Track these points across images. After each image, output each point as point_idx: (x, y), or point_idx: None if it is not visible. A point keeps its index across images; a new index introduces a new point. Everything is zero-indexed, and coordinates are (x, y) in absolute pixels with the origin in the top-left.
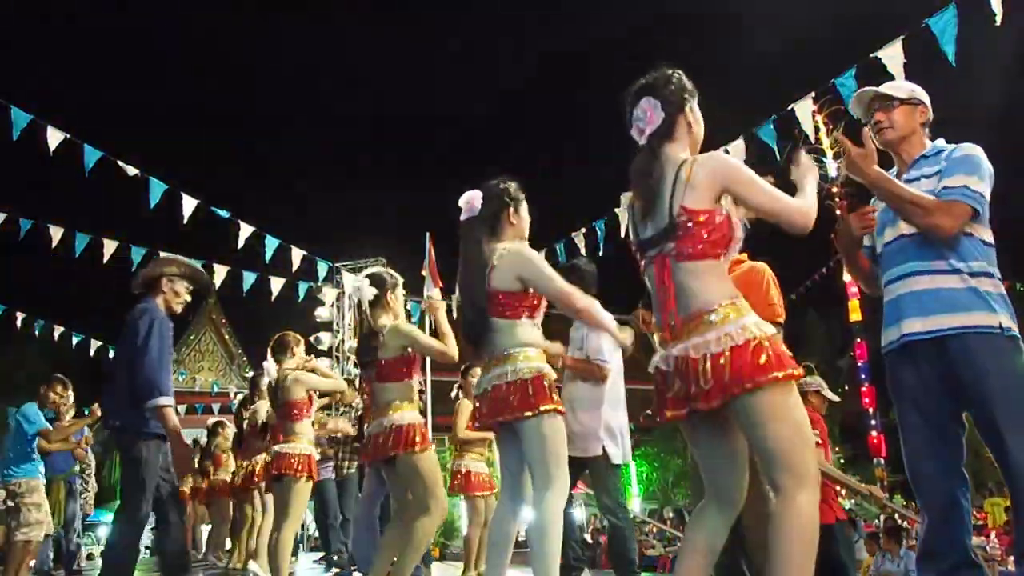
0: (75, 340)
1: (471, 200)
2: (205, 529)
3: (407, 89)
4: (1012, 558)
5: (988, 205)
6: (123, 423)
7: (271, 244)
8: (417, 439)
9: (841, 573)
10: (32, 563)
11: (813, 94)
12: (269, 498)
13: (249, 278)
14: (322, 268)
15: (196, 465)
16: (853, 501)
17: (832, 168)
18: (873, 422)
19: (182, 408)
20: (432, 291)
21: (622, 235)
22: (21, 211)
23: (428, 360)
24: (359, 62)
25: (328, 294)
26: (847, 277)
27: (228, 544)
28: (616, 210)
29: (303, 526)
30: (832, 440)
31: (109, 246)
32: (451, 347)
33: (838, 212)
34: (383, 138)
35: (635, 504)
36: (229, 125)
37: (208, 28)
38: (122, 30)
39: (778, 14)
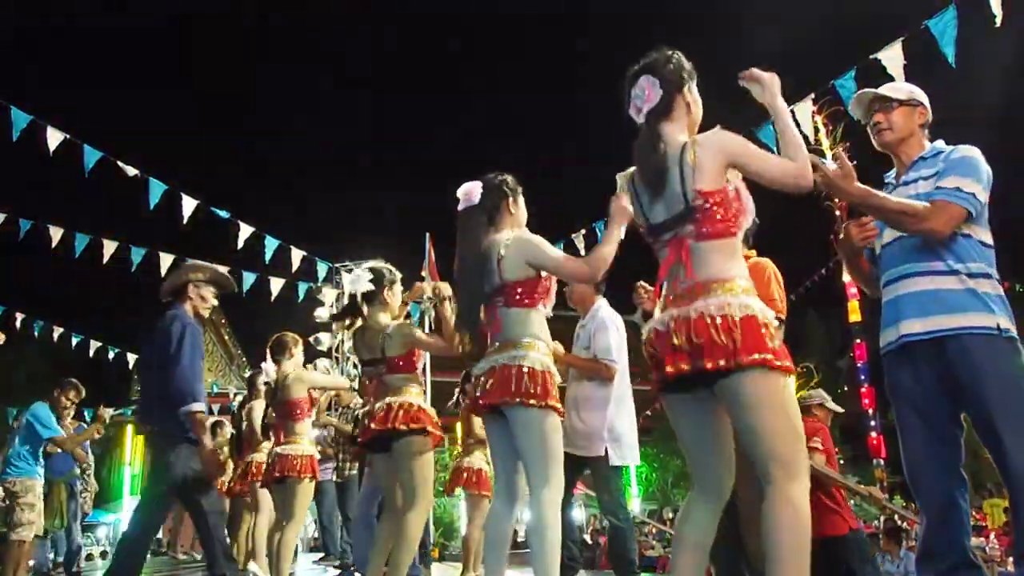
0: (75, 340)
1: (470, 191)
2: None
3: (407, 89)
4: (1011, 559)
5: (986, 207)
6: (158, 428)
7: (271, 244)
8: (425, 420)
9: None
10: (31, 563)
11: (813, 95)
12: (266, 498)
13: (249, 278)
14: (322, 269)
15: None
16: (853, 503)
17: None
18: (873, 423)
19: None
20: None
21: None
22: (21, 211)
23: (428, 361)
24: (359, 62)
25: (328, 295)
26: (847, 278)
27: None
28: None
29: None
30: (832, 441)
31: (109, 246)
32: (452, 338)
33: (837, 213)
34: (383, 138)
35: (635, 505)
36: (229, 125)
37: (208, 28)
38: (122, 30)
39: (778, 15)
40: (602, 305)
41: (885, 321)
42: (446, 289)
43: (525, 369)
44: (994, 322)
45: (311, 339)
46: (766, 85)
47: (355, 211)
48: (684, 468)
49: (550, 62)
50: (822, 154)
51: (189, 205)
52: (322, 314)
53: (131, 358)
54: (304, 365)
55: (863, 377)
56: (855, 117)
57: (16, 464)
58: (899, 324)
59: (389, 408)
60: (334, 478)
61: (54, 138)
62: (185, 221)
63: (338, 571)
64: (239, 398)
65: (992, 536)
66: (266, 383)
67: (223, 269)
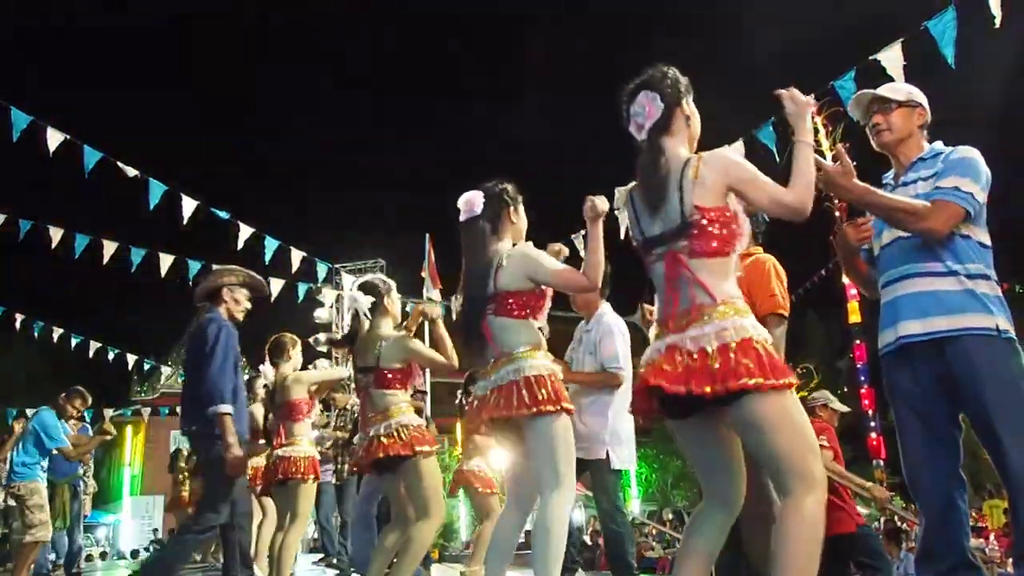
0: (74, 341)
1: (471, 201)
2: None
3: (407, 89)
4: (1011, 560)
5: (984, 207)
6: (196, 428)
7: (271, 245)
8: (424, 440)
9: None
10: (31, 564)
11: (812, 96)
12: (267, 501)
13: None
14: (321, 269)
15: (195, 468)
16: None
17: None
18: (872, 424)
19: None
20: (432, 292)
21: (621, 237)
22: (21, 212)
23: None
24: (359, 62)
25: (327, 295)
26: (846, 279)
27: None
28: (615, 212)
29: None
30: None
31: (109, 247)
32: (451, 357)
33: (837, 214)
34: (383, 139)
35: (634, 506)
36: (229, 125)
37: (208, 28)
38: (122, 31)
39: (777, 16)
40: (606, 310)
41: (883, 322)
42: (434, 310)
43: (532, 378)
44: (993, 323)
45: (311, 340)
46: (800, 107)
47: (355, 212)
48: (684, 469)
49: (550, 62)
50: (822, 155)
51: (189, 206)
52: (322, 314)
53: (131, 359)
54: (304, 366)
55: (863, 378)
56: (854, 118)
57: (18, 470)
58: (897, 325)
59: (392, 436)
60: (333, 480)
61: (54, 139)
62: (185, 222)
63: (337, 572)
64: None
65: (992, 537)
66: (264, 386)
67: None
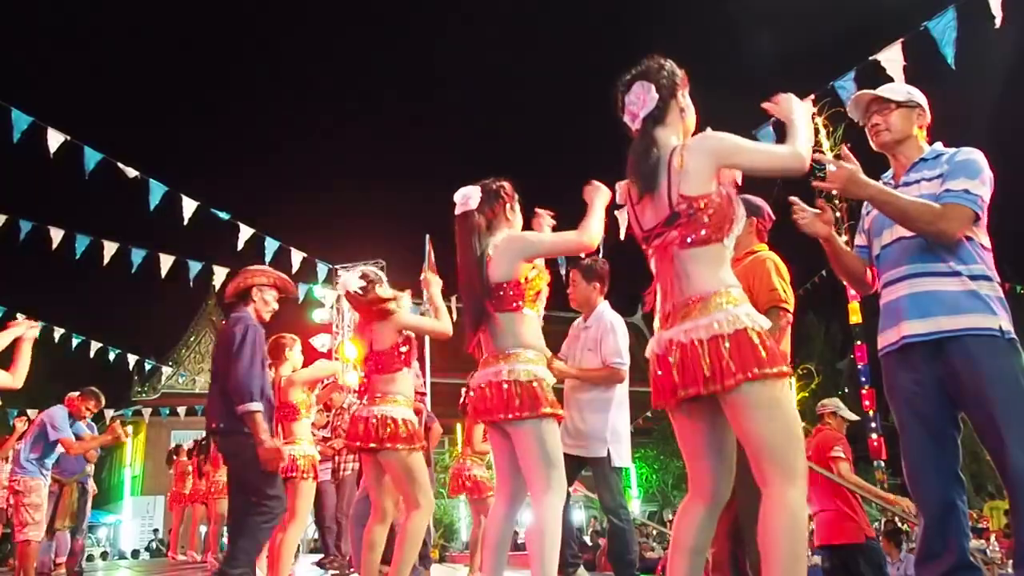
0: (75, 342)
1: (467, 196)
2: (203, 530)
3: (408, 90)
4: (1011, 562)
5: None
6: (223, 426)
7: (271, 246)
8: (403, 434)
9: None
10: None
11: (813, 96)
12: None
13: None
14: (321, 270)
15: (195, 467)
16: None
17: (832, 170)
18: (873, 425)
19: (182, 409)
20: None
21: (621, 237)
22: (22, 212)
23: (428, 363)
24: (360, 62)
25: (327, 296)
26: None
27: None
28: (615, 212)
29: None
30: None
31: (109, 248)
32: (444, 320)
33: (838, 215)
34: (383, 139)
35: (635, 506)
36: (229, 127)
37: (209, 30)
38: (123, 32)
39: (778, 16)
40: (605, 308)
41: (884, 322)
42: (433, 281)
43: (510, 384)
44: (996, 324)
45: (314, 342)
46: (781, 104)
47: (355, 213)
48: (684, 470)
49: (550, 61)
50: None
51: (189, 206)
52: (321, 315)
53: (131, 359)
54: (304, 366)
55: (864, 379)
56: (854, 119)
57: (24, 465)
58: (900, 325)
59: (376, 424)
60: (331, 479)
61: (55, 140)
62: (186, 222)
63: (336, 572)
64: None
65: (993, 538)
66: None
67: (223, 271)
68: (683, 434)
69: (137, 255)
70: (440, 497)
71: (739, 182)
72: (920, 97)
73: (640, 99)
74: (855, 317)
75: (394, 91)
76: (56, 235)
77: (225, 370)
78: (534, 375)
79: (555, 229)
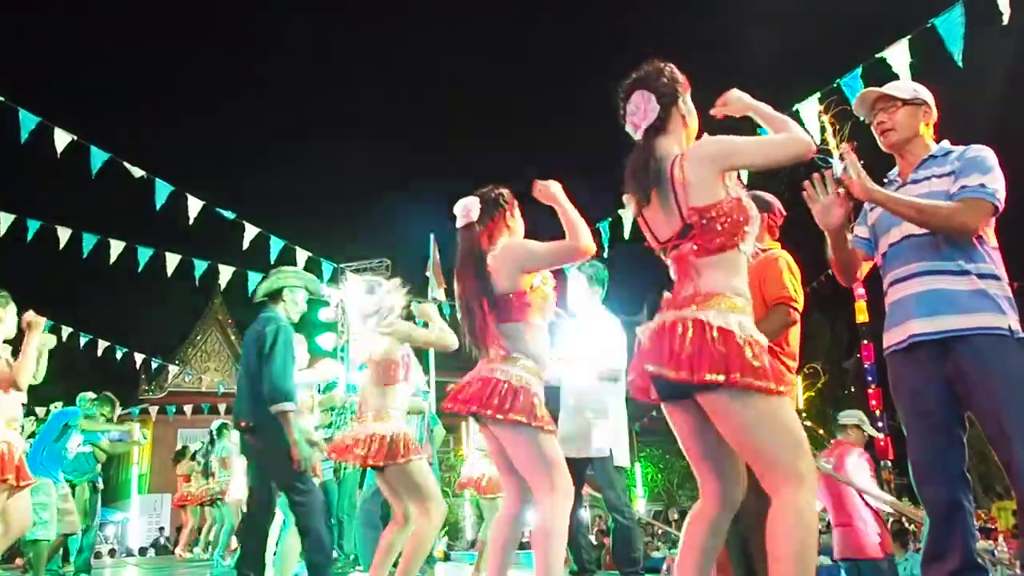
0: (83, 340)
1: (467, 207)
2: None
3: (410, 90)
4: (1019, 562)
5: None
6: (252, 424)
7: (276, 245)
8: (401, 450)
9: None
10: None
11: (819, 94)
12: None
13: (254, 279)
14: (327, 269)
15: (201, 467)
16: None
17: (839, 168)
18: (880, 424)
19: (188, 408)
20: (437, 292)
21: (626, 236)
22: (29, 212)
23: (432, 359)
24: (362, 62)
25: (332, 295)
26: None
27: (234, 544)
28: (620, 211)
29: None
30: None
31: (116, 247)
32: (448, 335)
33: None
34: (387, 139)
35: (640, 506)
36: (235, 126)
37: (214, 31)
38: (129, 33)
39: (783, 14)
40: (604, 310)
41: (891, 321)
42: (430, 308)
43: (506, 384)
44: (1005, 323)
45: (319, 341)
46: (730, 102)
47: (360, 212)
48: (689, 469)
49: (551, 61)
50: (829, 154)
51: (195, 205)
52: (327, 314)
53: (138, 358)
54: (309, 366)
55: (870, 378)
56: (860, 117)
57: (33, 462)
58: (907, 323)
59: (373, 444)
60: (333, 478)
61: (62, 139)
62: (191, 222)
63: (338, 571)
64: None
65: (1001, 538)
66: None
67: (228, 269)
68: (680, 437)
69: (143, 254)
70: (445, 496)
71: (743, 180)
72: (926, 94)
73: (641, 109)
74: (861, 316)
75: (400, 90)
76: (63, 234)
77: (256, 369)
78: (525, 382)
79: (554, 225)
